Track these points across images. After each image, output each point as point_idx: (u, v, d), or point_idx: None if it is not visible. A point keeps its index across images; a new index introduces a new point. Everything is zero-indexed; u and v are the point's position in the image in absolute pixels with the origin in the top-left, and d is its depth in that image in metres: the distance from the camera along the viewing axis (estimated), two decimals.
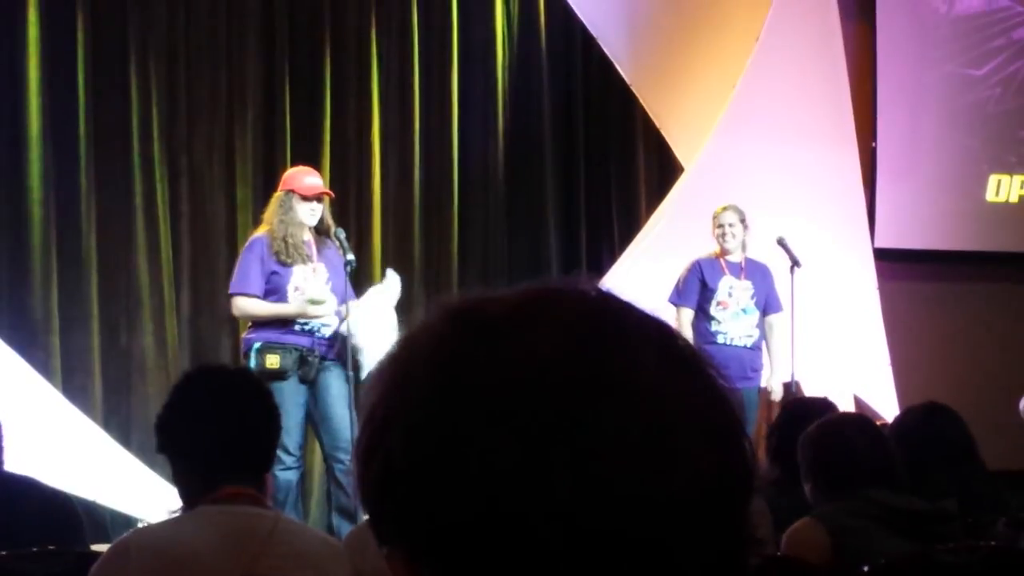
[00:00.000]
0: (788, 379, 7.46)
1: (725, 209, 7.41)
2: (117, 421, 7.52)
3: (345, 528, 6.03)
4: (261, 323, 6.40)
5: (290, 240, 6.38)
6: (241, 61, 8.11)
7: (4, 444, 3.64)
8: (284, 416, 3.13)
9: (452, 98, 8.69)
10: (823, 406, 4.56)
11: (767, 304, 7.43)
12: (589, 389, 0.86)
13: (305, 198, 6.45)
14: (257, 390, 3.01)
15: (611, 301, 0.92)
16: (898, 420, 4.67)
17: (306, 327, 6.35)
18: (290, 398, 6.14)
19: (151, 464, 7.10)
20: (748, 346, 7.33)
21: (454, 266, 8.59)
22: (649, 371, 0.88)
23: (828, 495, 3.56)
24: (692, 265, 7.41)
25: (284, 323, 6.35)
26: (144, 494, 6.69)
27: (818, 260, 7.80)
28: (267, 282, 6.36)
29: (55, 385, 7.07)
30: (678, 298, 7.36)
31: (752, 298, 7.38)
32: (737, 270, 7.40)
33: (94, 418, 7.17)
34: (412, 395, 0.88)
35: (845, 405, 7.86)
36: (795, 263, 7.40)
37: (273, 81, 8.19)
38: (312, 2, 8.34)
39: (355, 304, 6.44)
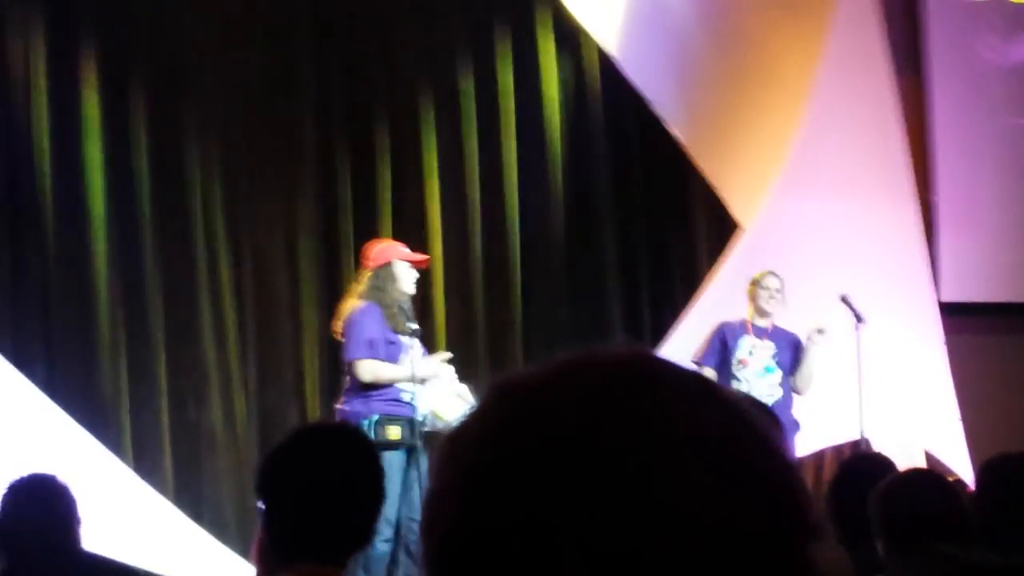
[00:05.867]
0: (857, 436, 7.41)
1: (770, 274, 7.44)
2: (188, 497, 7.56)
3: None
4: (365, 394, 6.44)
5: (403, 307, 6.47)
6: (300, 138, 8.21)
7: (80, 518, 3.69)
8: (390, 486, 3.07)
9: (509, 166, 8.72)
10: (881, 461, 4.51)
11: (791, 367, 7.40)
12: (628, 445, 0.88)
13: (410, 265, 6.56)
14: (370, 457, 2.86)
15: (645, 359, 0.95)
16: (989, 467, 4.50)
17: (408, 399, 6.41)
18: (399, 469, 6.19)
19: (223, 539, 7.16)
20: (771, 405, 7.29)
21: (517, 334, 8.57)
22: (687, 420, 0.90)
23: (900, 551, 3.53)
24: (717, 327, 7.47)
25: (391, 396, 6.42)
26: (218, 569, 6.73)
27: (882, 316, 7.75)
28: (384, 350, 6.44)
29: (127, 462, 7.14)
30: (698, 358, 7.41)
31: (774, 357, 7.36)
32: (761, 332, 7.41)
33: (166, 494, 7.23)
34: (463, 467, 0.92)
35: (916, 461, 7.79)
36: (859, 319, 7.37)
37: (331, 156, 8.28)
38: (366, 77, 8.42)
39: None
